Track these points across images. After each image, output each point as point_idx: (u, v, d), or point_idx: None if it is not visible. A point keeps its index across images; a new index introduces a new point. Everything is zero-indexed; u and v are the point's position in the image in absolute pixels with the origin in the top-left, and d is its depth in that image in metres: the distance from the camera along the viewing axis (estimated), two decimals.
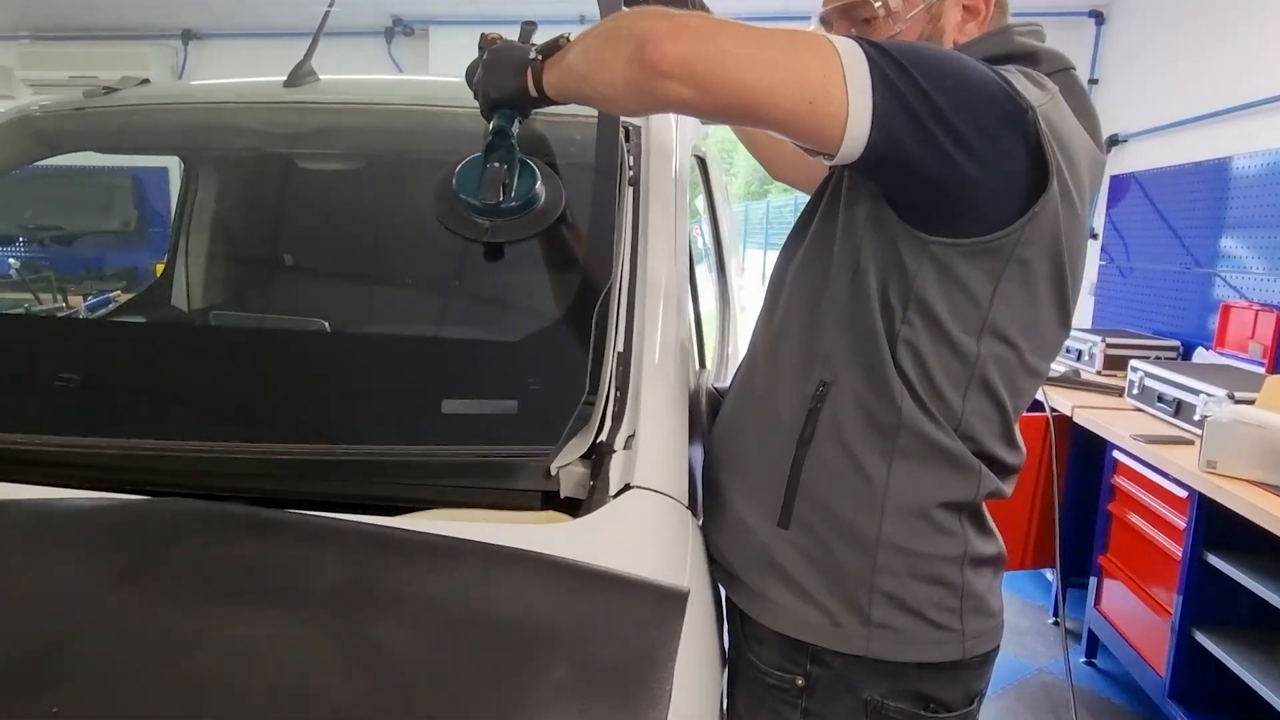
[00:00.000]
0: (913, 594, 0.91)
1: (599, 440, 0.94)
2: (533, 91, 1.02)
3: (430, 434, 0.91)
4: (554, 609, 0.64)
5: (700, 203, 2.13)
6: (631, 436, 0.95)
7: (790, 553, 0.94)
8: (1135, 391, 2.75)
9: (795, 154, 1.31)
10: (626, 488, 0.89)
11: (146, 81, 1.71)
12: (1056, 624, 3.04)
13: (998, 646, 0.98)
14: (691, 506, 1.00)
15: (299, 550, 0.66)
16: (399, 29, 5.07)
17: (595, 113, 1.34)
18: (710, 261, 2.14)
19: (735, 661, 1.03)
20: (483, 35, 1.13)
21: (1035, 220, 0.83)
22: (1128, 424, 2.56)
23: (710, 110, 0.82)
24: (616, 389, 0.99)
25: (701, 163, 2.01)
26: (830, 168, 0.97)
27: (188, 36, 5.27)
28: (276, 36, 5.08)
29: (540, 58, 1.02)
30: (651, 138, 1.39)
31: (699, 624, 0.83)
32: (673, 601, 0.68)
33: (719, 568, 1.02)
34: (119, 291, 2.34)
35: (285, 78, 1.57)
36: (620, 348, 1.04)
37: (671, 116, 1.47)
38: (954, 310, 0.87)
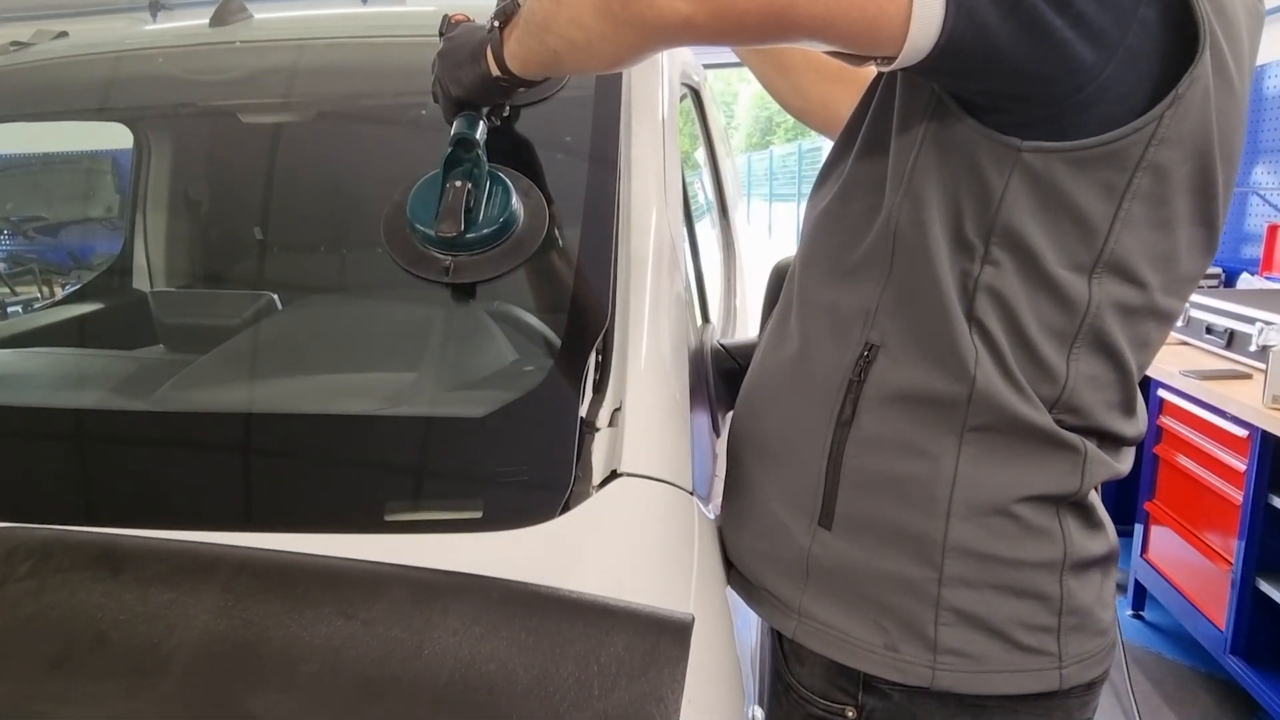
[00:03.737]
0: (994, 610, 0.71)
1: (579, 415, 0.76)
2: (494, 71, 0.80)
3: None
4: (508, 660, 0.47)
5: (695, 138, 1.92)
6: (617, 410, 0.77)
7: (833, 559, 0.75)
8: (1180, 324, 2.54)
9: (832, 90, 1.09)
10: (613, 475, 0.71)
11: (64, 34, 1.51)
12: None
13: (1107, 671, 0.78)
14: (697, 490, 0.82)
15: (163, 592, 0.49)
16: None
17: None
18: (712, 206, 1.94)
19: (773, 681, 0.84)
20: (445, 18, 0.91)
21: (1179, 106, 0.61)
22: (1174, 359, 2.35)
23: (722, 29, 0.61)
24: (598, 352, 0.81)
25: (695, 95, 1.80)
26: (875, 81, 0.75)
27: (155, 7, 5.06)
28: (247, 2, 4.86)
29: (498, 25, 0.80)
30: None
31: (712, 646, 0.65)
32: (673, 637, 0.50)
33: (737, 576, 0.83)
34: None
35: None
36: None
37: None
38: (1058, 240, 0.65)
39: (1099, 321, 0.68)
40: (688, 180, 1.92)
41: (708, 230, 1.94)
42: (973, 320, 0.68)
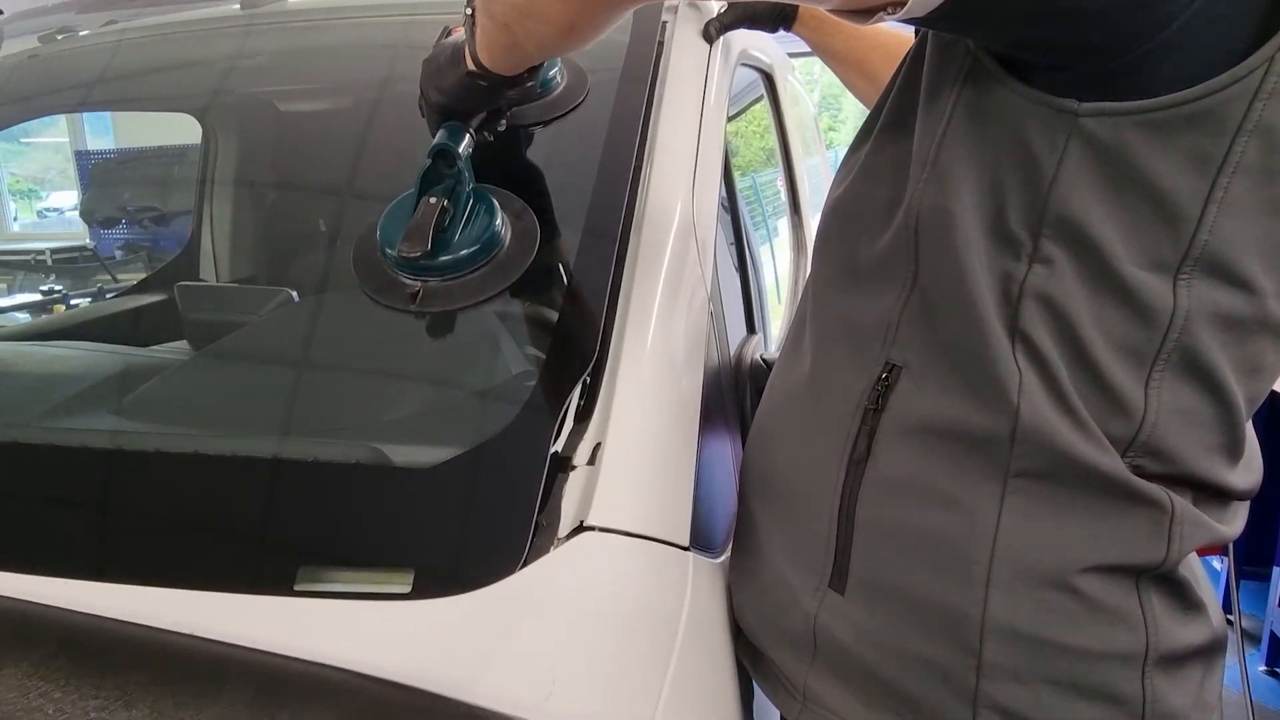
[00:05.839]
0: (1051, 713, 0.56)
1: (552, 450, 0.64)
2: (470, 66, 0.70)
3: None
4: None
5: (767, 129, 1.76)
6: (599, 446, 0.64)
7: (845, 631, 0.61)
8: None
9: None
10: (580, 528, 0.58)
11: (113, 22, 1.50)
12: (1229, 623, 2.55)
13: None
14: (705, 541, 0.69)
15: None
16: None
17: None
18: (783, 203, 1.79)
19: None
20: (445, 28, 0.82)
21: None
22: None
23: None
24: (589, 370, 0.68)
25: (768, 80, 1.65)
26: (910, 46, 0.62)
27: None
28: None
29: (470, 13, 0.70)
30: (676, 31, 1.06)
31: None
32: None
33: (745, 643, 0.70)
34: None
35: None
36: None
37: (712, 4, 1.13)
38: (1131, 230, 0.51)
39: (1190, 337, 0.52)
40: (754, 176, 1.77)
41: (780, 231, 1.79)
42: (1016, 335, 0.54)
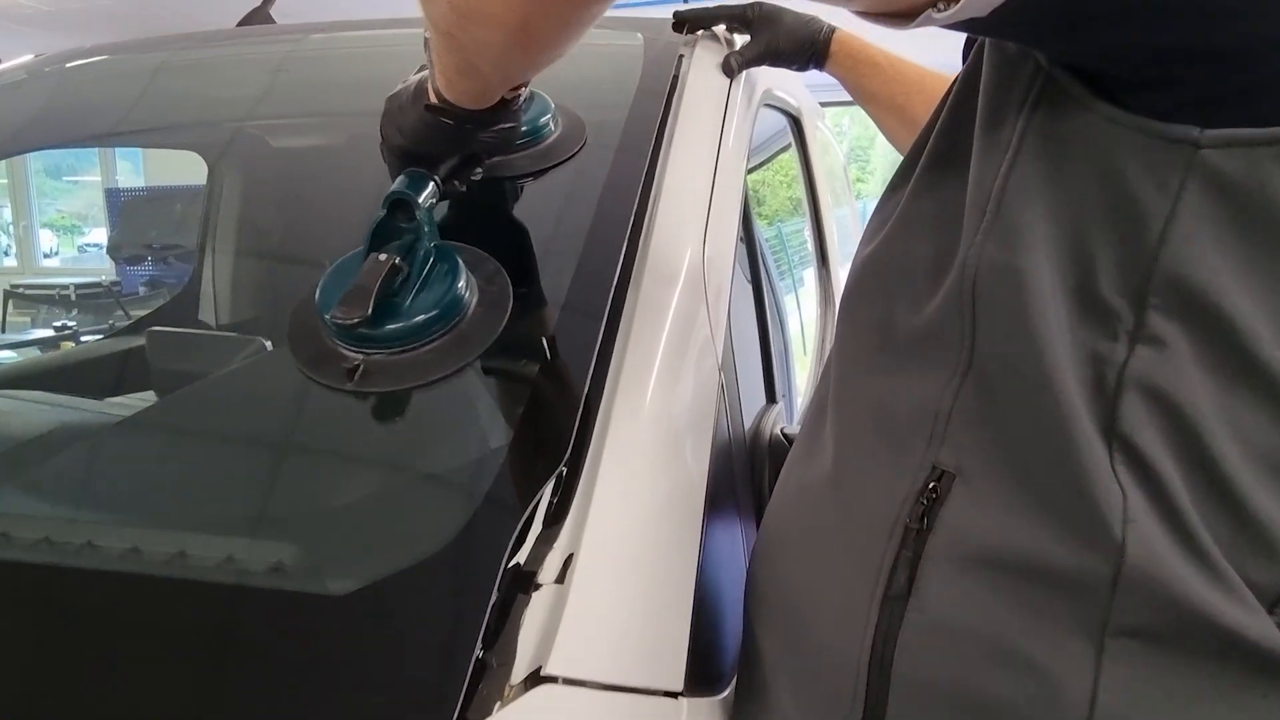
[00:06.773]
0: None
1: (512, 562, 0.51)
2: (431, 98, 0.62)
3: None
4: None
5: (794, 177, 1.65)
6: (571, 560, 0.51)
7: None
8: None
9: None
10: (538, 677, 0.45)
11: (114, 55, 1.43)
12: None
13: None
14: (701, 675, 0.55)
15: None
16: None
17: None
18: (809, 255, 1.67)
19: None
20: (422, 66, 0.75)
21: None
22: None
23: None
24: (564, 464, 0.56)
25: (795, 123, 1.54)
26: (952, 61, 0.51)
27: None
28: None
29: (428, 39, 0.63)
30: (693, 69, 0.95)
31: None
32: None
33: None
34: None
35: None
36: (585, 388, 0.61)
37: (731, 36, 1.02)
38: (1277, 303, 0.39)
39: None
40: (780, 225, 1.66)
41: (807, 281, 1.67)
42: (1115, 439, 0.41)
